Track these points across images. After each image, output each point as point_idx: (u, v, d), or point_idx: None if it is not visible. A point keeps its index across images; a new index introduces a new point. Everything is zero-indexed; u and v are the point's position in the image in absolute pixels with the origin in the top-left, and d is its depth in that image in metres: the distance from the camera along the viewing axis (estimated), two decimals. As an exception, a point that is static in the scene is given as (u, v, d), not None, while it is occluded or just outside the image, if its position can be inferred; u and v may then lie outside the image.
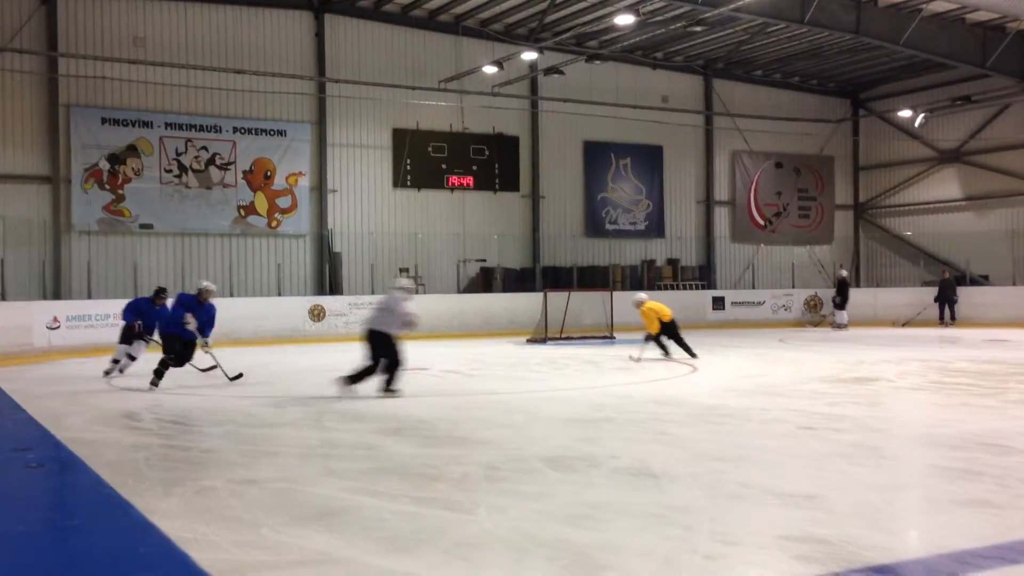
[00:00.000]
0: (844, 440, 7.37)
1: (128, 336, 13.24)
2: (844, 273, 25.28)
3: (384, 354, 10.54)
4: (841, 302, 24.14)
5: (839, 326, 23.83)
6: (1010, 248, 26.79)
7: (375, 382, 10.51)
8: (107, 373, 13.09)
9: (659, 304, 14.97)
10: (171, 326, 11.91)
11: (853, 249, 31.62)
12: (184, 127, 21.96)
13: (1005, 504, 5.22)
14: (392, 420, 8.80)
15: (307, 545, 4.53)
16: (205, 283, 12.52)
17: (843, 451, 6.92)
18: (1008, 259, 26.45)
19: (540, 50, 22.94)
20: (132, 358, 13.21)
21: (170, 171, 21.79)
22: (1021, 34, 24.10)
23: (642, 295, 15.70)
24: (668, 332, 14.79)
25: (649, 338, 14.78)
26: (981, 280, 26.45)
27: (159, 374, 11.52)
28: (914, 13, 22.70)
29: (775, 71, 29.44)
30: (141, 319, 13.13)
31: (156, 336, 12.73)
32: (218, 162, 22.33)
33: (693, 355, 14.63)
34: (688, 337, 15.11)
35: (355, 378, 10.53)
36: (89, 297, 20.11)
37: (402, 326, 10.65)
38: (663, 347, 14.86)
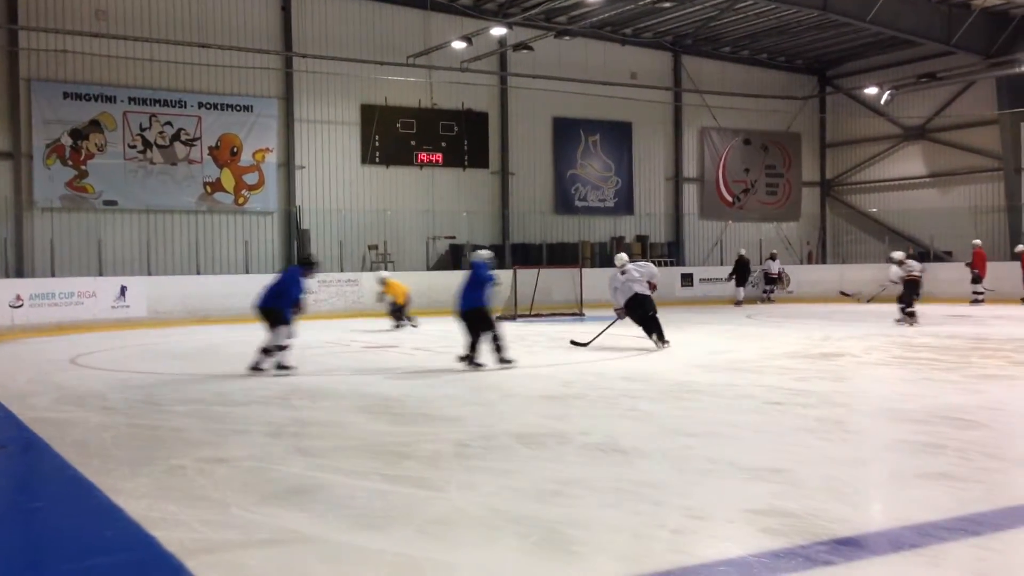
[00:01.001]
0: (810, 415, 7.45)
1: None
2: (743, 252, 25.81)
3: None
4: (739, 280, 24.75)
5: (739, 303, 24.50)
6: (973, 224, 27.16)
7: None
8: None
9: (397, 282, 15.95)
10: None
11: (820, 225, 31.91)
12: (148, 102, 21.62)
13: (966, 477, 5.32)
14: (362, 398, 8.78)
15: (277, 523, 4.52)
16: None
17: (809, 426, 7.00)
18: (971, 235, 26.77)
19: (509, 25, 22.82)
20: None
21: (134, 147, 21.47)
22: (986, 12, 24.31)
23: (384, 273, 17.60)
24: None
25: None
26: (945, 256, 26.80)
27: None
28: (881, -10, 22.82)
29: (743, 48, 29.50)
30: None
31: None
32: (183, 138, 22.04)
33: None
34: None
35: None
36: (53, 275, 19.83)
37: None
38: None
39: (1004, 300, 22.28)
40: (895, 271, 17.28)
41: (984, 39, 25.02)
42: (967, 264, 23.19)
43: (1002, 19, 25.04)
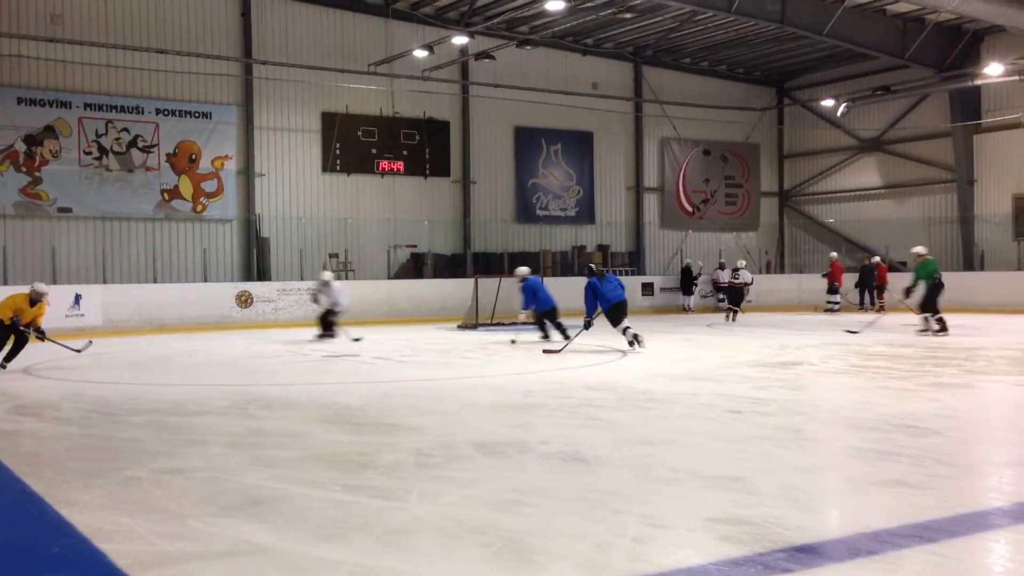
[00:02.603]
0: (769, 423, 7.52)
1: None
2: (688, 262, 26.86)
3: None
4: (685, 288, 26.29)
5: (689, 309, 26.09)
6: (927, 235, 27.60)
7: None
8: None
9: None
10: None
11: (778, 235, 32.29)
12: (104, 108, 21.32)
13: (921, 484, 5.39)
14: (321, 407, 8.71)
15: (235, 535, 4.46)
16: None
17: (768, 434, 7.07)
18: (925, 246, 27.20)
19: (471, 35, 22.85)
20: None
21: (90, 153, 21.16)
22: (939, 26, 24.80)
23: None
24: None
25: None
26: (899, 266, 27.22)
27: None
28: (837, 4, 23.20)
29: (703, 59, 29.81)
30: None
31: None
32: (140, 144, 21.76)
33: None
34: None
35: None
36: (5, 283, 19.41)
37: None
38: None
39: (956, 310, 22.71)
40: (724, 275, 22.77)
41: (937, 53, 25.52)
42: (823, 275, 24.76)
43: (955, 34, 25.57)
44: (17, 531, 4.70)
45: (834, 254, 25.77)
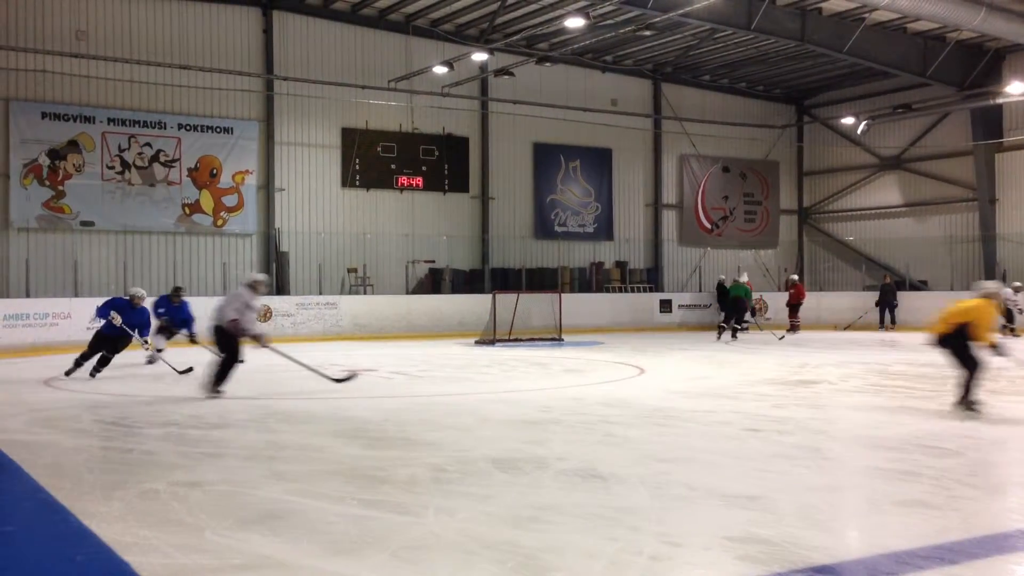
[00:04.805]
0: (787, 442, 7.48)
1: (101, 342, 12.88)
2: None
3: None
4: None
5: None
6: (948, 253, 27.46)
7: None
8: (151, 362, 13.73)
9: None
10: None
11: (797, 253, 32.14)
12: (127, 123, 21.55)
13: (942, 505, 5.34)
14: (339, 422, 8.73)
15: (251, 549, 4.47)
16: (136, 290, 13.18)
17: (786, 452, 7.02)
18: (946, 264, 27.11)
19: (490, 51, 22.95)
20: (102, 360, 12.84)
21: (112, 167, 21.37)
22: (961, 44, 24.70)
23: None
24: None
25: None
26: (920, 285, 27.05)
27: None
28: (857, 22, 23.15)
29: (722, 76, 29.80)
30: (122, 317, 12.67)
31: (137, 335, 12.88)
32: (162, 159, 21.96)
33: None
34: (636, 339, 15.21)
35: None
36: (28, 296, 19.64)
37: None
38: None
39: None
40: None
41: (959, 71, 25.41)
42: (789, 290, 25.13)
43: (976, 52, 25.46)
44: (41, 540, 4.73)
45: (795, 276, 25.84)
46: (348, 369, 11.30)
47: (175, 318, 14.03)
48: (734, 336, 21.17)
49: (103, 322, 12.58)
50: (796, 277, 25.84)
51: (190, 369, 12.57)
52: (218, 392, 10.37)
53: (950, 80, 25.48)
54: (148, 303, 13.28)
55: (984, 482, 6.18)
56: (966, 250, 27.39)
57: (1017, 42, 23.19)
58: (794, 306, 24.41)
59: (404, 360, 15.67)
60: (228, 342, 10.44)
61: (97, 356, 12.48)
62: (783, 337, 21.71)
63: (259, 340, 10.51)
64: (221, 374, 10.47)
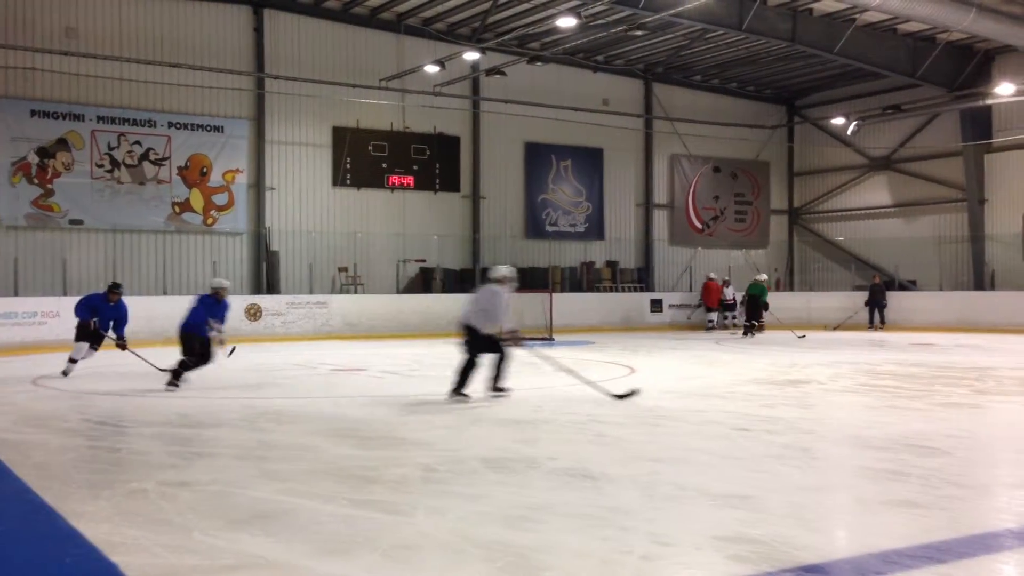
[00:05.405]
0: (777, 441, 7.49)
1: (84, 334, 12.50)
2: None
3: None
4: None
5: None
6: (937, 254, 27.57)
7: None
8: (65, 373, 12.37)
9: None
10: (191, 326, 11.47)
11: (787, 253, 32.23)
12: (117, 121, 21.47)
13: (930, 504, 5.36)
14: (329, 421, 8.71)
15: (241, 549, 4.46)
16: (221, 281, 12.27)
17: (776, 452, 7.04)
18: (935, 265, 27.22)
19: (482, 50, 22.95)
20: (73, 360, 12.50)
21: (102, 166, 21.29)
22: (950, 45, 24.81)
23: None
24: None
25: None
26: (909, 285, 27.15)
27: (178, 375, 11.13)
28: (848, 23, 23.23)
29: (713, 77, 29.85)
30: (96, 316, 12.52)
31: (110, 333, 12.53)
32: (152, 157, 21.89)
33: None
34: (627, 339, 15.22)
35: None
36: (16, 294, 19.54)
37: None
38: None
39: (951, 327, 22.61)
40: (728, 292, 25.41)
41: (948, 73, 25.52)
42: (699, 300, 26.32)
43: (966, 53, 25.57)
44: (28, 540, 4.71)
45: (713, 274, 26.18)
46: (628, 387, 10.38)
47: (107, 318, 12.61)
48: (745, 334, 22.19)
49: (210, 323, 11.55)
50: (714, 275, 26.32)
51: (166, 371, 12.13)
52: (500, 392, 10.18)
53: (940, 81, 25.58)
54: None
55: (972, 481, 6.20)
56: (955, 250, 27.51)
57: (1006, 43, 23.30)
58: (710, 308, 25.47)
59: (395, 359, 15.65)
60: (491, 345, 10.24)
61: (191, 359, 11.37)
62: (803, 336, 21.96)
63: (516, 337, 10.40)
64: (502, 372, 10.29)
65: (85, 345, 12.49)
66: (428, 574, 4.15)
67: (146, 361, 12.33)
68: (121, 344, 12.55)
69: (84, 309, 12.60)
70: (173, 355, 11.63)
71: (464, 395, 10.07)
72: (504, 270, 10.86)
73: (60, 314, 18.53)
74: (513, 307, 10.44)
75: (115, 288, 12.72)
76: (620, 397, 9.83)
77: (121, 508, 5.23)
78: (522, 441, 7.58)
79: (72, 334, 12.72)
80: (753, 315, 22.80)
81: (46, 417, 9.04)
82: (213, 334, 11.46)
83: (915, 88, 26.47)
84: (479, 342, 10.21)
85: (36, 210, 20.57)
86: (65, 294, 19.72)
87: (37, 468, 6.44)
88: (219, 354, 11.76)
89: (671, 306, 26.84)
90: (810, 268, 31.79)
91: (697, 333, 24.46)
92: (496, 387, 10.27)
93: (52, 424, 8.65)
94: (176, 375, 11.15)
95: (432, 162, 25.52)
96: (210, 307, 11.64)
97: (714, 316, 25.67)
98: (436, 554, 4.41)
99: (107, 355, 13.24)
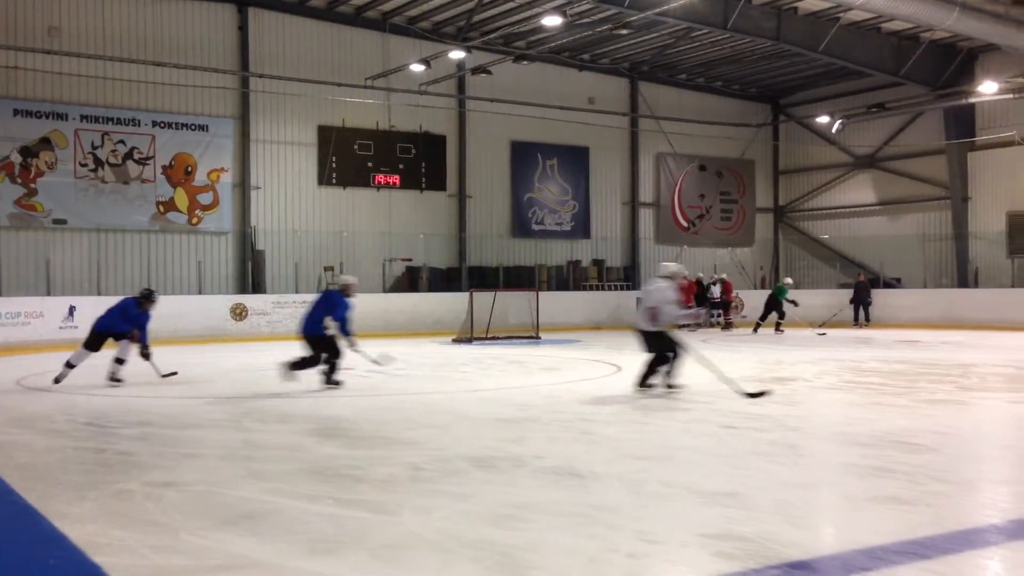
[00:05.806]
0: (764, 439, 7.52)
1: (96, 343, 11.59)
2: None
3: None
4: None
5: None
6: (921, 252, 27.75)
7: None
8: (58, 380, 11.40)
9: None
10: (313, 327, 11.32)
11: (773, 251, 32.34)
12: (101, 120, 21.34)
13: (915, 500, 5.39)
14: (316, 421, 8.69)
15: (227, 549, 4.44)
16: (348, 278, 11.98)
17: (763, 450, 7.06)
18: (919, 262, 27.40)
19: (468, 49, 22.93)
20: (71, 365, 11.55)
21: (85, 165, 21.16)
22: (934, 44, 24.95)
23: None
24: None
25: None
26: (894, 282, 27.29)
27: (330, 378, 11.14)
28: (832, 22, 23.32)
29: (699, 75, 29.93)
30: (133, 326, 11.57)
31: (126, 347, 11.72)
32: (136, 156, 21.77)
33: None
34: (613, 337, 15.25)
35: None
36: (-1, 294, 19.43)
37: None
38: None
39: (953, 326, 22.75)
40: (715, 290, 25.29)
41: (932, 71, 25.66)
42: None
43: (949, 52, 25.72)
44: (13, 543, 4.68)
45: (700, 274, 26.06)
46: (761, 387, 10.26)
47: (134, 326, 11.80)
48: (754, 331, 22.99)
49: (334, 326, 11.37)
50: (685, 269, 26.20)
51: (174, 373, 12.11)
52: (673, 388, 10.35)
53: (923, 80, 25.73)
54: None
55: (957, 478, 6.24)
56: (939, 248, 27.68)
57: (989, 42, 23.45)
58: (727, 304, 25.55)
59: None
60: (668, 343, 10.32)
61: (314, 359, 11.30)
62: (824, 333, 22.23)
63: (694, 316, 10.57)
64: (676, 368, 10.44)
65: (89, 353, 11.68)
66: (416, 573, 4.14)
67: (160, 374, 11.90)
68: (146, 353, 11.68)
69: (120, 319, 11.66)
70: (157, 355, 11.57)
71: (649, 386, 10.37)
72: (673, 267, 10.91)
73: (44, 314, 18.47)
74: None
75: (149, 296, 11.86)
76: (753, 396, 9.80)
77: (106, 509, 5.20)
78: (509, 440, 7.58)
79: (57, 334, 12.60)
80: (763, 314, 23.29)
81: (31, 418, 8.98)
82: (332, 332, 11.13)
83: (899, 87, 26.61)
84: (653, 341, 10.36)
85: (19, 210, 20.43)
86: (49, 294, 19.63)
87: (21, 469, 6.40)
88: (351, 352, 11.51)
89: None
90: (796, 266, 31.91)
91: (684, 331, 24.47)
92: (670, 384, 10.44)
93: (37, 425, 8.59)
94: (297, 367, 11.08)
95: (418, 161, 25.49)
96: (332, 306, 11.51)
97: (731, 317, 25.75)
98: (423, 553, 4.40)
99: (96, 356, 13.12)
